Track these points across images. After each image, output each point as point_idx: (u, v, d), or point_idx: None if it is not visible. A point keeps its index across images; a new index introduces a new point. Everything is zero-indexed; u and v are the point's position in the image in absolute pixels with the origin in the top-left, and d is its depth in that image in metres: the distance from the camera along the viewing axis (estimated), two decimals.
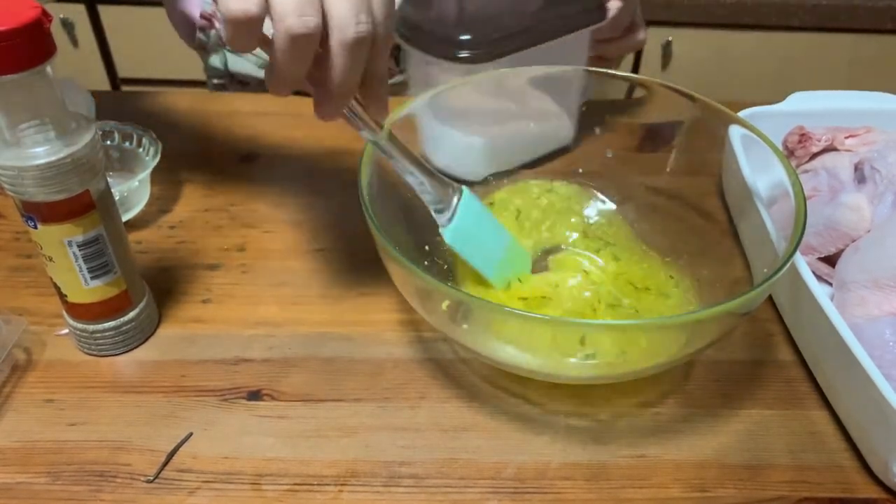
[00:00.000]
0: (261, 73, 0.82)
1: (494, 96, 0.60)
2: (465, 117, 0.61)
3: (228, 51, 0.84)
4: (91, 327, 0.49)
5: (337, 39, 0.37)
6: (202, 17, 0.83)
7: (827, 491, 0.44)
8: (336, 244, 0.60)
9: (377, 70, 0.42)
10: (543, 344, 0.45)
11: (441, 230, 0.49)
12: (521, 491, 0.44)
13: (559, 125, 0.63)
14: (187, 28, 0.87)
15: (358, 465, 0.45)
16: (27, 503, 0.43)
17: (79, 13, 1.60)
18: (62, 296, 0.48)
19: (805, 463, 0.45)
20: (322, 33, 0.37)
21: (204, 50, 0.87)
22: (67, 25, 1.60)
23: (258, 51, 0.86)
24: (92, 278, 0.47)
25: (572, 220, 0.59)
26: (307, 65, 0.38)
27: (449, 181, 0.49)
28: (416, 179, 0.47)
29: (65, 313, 0.50)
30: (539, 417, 0.48)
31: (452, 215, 0.49)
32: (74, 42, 1.64)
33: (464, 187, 0.50)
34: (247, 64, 0.84)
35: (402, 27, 0.61)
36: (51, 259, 0.46)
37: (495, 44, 0.59)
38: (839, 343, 0.43)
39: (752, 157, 0.53)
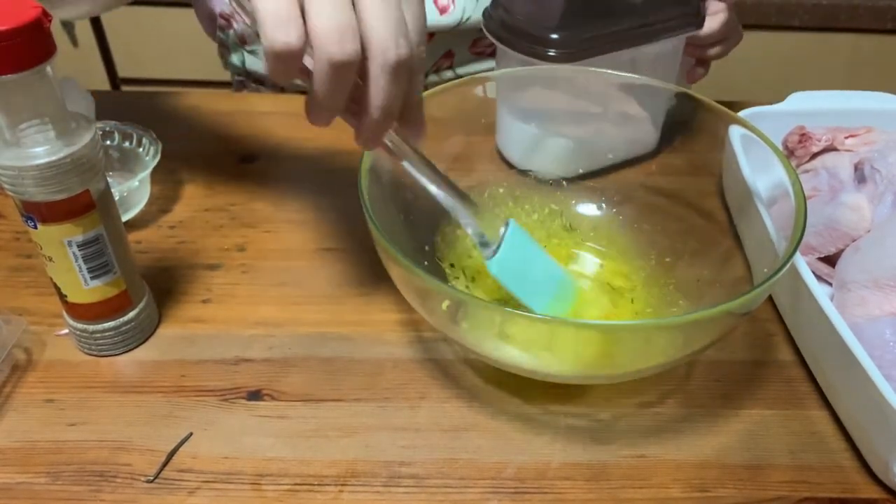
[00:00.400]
0: None
1: (577, 96, 0.59)
2: (544, 114, 0.61)
3: (247, 50, 0.85)
4: (91, 327, 0.49)
5: (378, 64, 0.37)
6: (221, 16, 0.84)
7: (827, 491, 0.44)
8: (336, 244, 0.60)
9: (415, 94, 0.41)
10: (543, 344, 0.45)
11: (486, 262, 0.47)
12: (521, 491, 0.44)
13: (643, 131, 0.61)
14: (212, 26, 0.88)
15: (358, 465, 0.45)
16: (27, 503, 0.43)
17: None
18: (62, 296, 0.48)
19: (805, 463, 0.45)
20: (361, 60, 0.37)
21: (225, 48, 0.88)
22: (67, 25, 1.60)
23: None
24: (92, 278, 0.47)
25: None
26: (347, 93, 0.38)
27: (496, 214, 0.48)
28: (459, 211, 0.46)
29: (64, 313, 0.50)
30: (539, 417, 0.48)
31: (498, 247, 0.47)
32: (74, 42, 1.64)
33: (511, 220, 0.49)
34: (263, 64, 0.84)
35: (494, 25, 0.61)
36: (50, 259, 0.46)
37: (586, 44, 0.58)
38: (839, 343, 0.43)
39: (752, 157, 0.53)
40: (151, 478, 0.44)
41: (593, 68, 0.57)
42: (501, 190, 0.60)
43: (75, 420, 0.47)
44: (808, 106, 0.66)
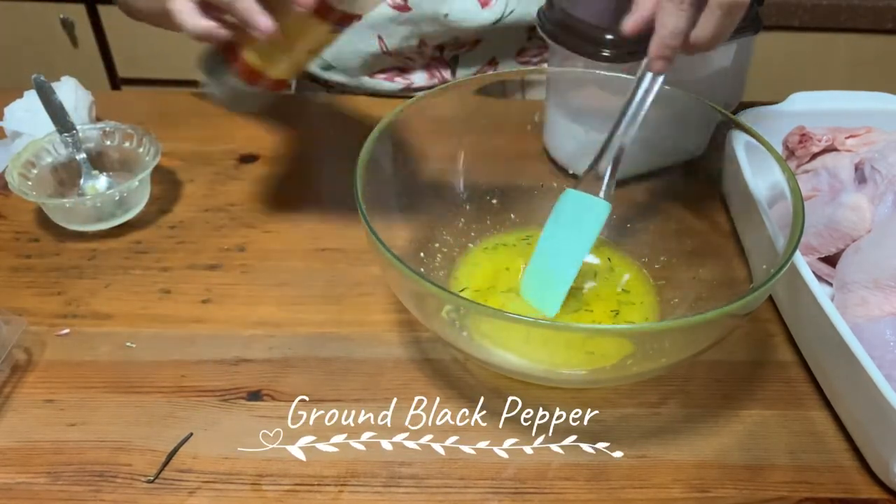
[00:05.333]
0: (324, 73, 0.83)
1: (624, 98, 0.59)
2: (590, 115, 0.61)
3: None
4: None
5: None
6: None
7: (827, 491, 0.44)
8: (336, 244, 0.60)
9: None
10: (542, 348, 0.45)
11: None
12: (521, 491, 0.44)
13: (690, 136, 0.59)
14: None
15: (358, 466, 0.45)
16: (27, 503, 0.43)
17: (79, 13, 1.59)
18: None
19: (805, 463, 0.45)
20: None
21: None
22: (67, 25, 1.60)
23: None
24: None
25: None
26: None
27: None
28: None
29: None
30: (539, 418, 0.48)
31: None
32: (74, 42, 1.64)
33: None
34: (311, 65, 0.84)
35: (549, 25, 0.61)
36: None
37: (641, 45, 0.57)
38: (840, 343, 0.43)
39: (753, 157, 0.53)
40: (151, 478, 0.44)
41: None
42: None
43: (75, 420, 0.47)
44: (808, 106, 0.66)
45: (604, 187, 0.50)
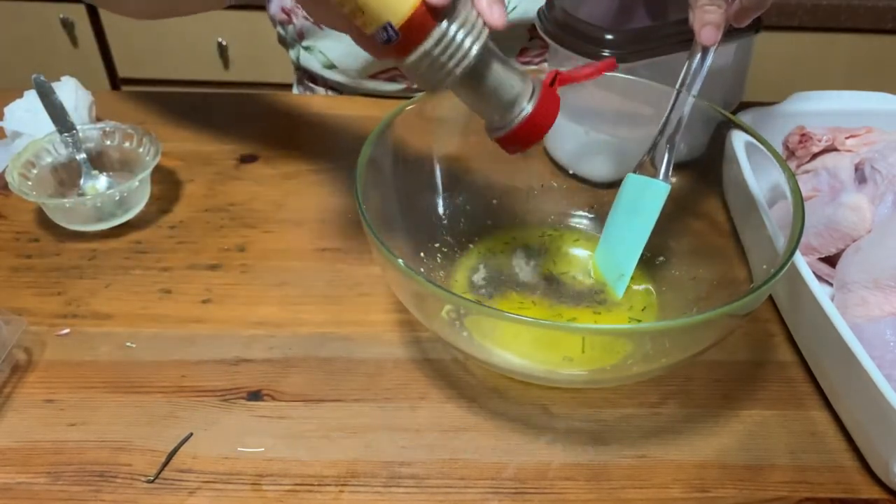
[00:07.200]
0: (326, 72, 0.83)
1: (625, 98, 0.59)
2: (590, 115, 0.61)
3: (303, 46, 0.85)
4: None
5: None
6: (283, 11, 0.84)
7: (827, 491, 0.44)
8: (336, 244, 0.60)
9: None
10: (542, 348, 0.45)
11: None
12: (521, 491, 0.44)
13: (692, 135, 0.58)
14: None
15: (358, 466, 0.45)
16: (27, 503, 0.43)
17: (79, 13, 1.60)
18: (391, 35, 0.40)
19: (805, 463, 0.45)
20: None
21: (284, 44, 0.89)
22: (67, 25, 1.60)
23: (324, 49, 0.87)
24: None
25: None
26: None
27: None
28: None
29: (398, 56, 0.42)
30: (539, 418, 0.48)
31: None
32: (74, 42, 1.64)
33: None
34: (314, 61, 0.84)
35: (549, 24, 0.61)
36: None
37: (641, 45, 0.58)
38: (840, 343, 0.43)
39: (753, 157, 0.53)
40: (151, 478, 0.44)
41: (642, 79, 0.56)
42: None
43: (75, 420, 0.47)
44: (808, 106, 0.66)
45: (662, 169, 0.52)
